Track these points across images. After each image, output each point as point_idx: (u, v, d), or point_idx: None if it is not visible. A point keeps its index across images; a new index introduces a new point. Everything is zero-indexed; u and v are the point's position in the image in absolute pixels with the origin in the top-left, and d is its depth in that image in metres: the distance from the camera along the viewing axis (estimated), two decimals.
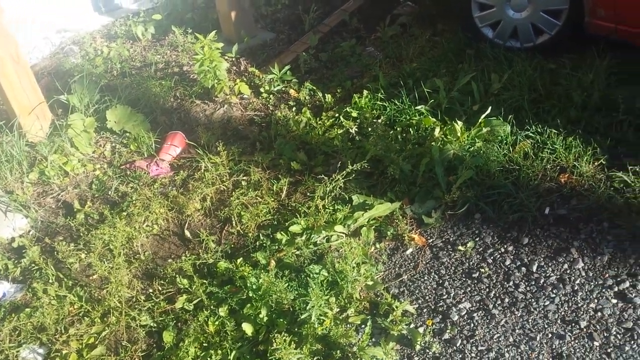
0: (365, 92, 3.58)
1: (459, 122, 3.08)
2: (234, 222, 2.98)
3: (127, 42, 4.87)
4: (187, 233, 3.01)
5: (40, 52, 4.99)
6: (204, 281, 2.65)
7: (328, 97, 3.73)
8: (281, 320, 2.42)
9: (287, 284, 2.52)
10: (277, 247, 2.78)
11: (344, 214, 2.81)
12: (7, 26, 3.40)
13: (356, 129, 3.35)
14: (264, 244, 2.81)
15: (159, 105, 3.96)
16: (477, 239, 2.64)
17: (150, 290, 2.74)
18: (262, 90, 3.98)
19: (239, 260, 2.74)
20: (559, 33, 3.53)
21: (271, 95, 3.95)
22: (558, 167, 2.84)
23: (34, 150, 3.58)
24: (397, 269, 2.65)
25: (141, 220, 3.05)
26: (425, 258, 2.66)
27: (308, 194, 3.09)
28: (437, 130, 3.09)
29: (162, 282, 2.76)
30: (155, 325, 2.57)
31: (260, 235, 2.89)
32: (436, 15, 4.41)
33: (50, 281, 2.80)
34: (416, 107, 3.35)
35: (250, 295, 2.52)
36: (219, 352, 2.36)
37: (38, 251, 3.01)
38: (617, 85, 3.19)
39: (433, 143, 3.05)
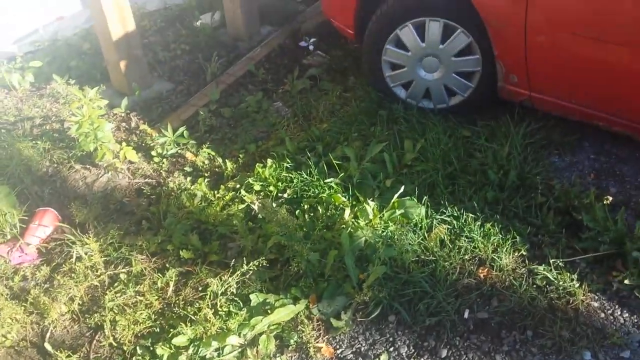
0: (269, 160, 3.15)
1: (371, 203, 2.71)
2: (106, 331, 2.44)
3: (1, 91, 4.20)
4: (48, 346, 2.43)
5: None
6: None
7: (229, 164, 3.27)
8: None
9: None
10: None
11: (239, 321, 2.34)
12: None
13: (259, 205, 2.91)
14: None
15: (30, 172, 3.34)
16: (392, 349, 2.25)
17: None
18: (154, 153, 3.46)
19: None
20: (472, 95, 3.28)
21: (164, 160, 3.44)
22: (477, 259, 2.51)
23: None
24: None
25: None
26: None
27: (200, 288, 2.60)
28: (347, 212, 2.70)
29: None
30: None
31: (138, 348, 2.36)
32: (348, 68, 4.08)
33: None
34: (325, 180, 2.95)
35: None
36: None
37: None
38: (534, 158, 2.95)
39: (343, 226, 2.66)
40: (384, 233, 2.59)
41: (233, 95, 4.01)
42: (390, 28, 3.27)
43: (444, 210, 2.70)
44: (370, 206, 2.69)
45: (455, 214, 2.68)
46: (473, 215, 2.65)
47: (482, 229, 2.59)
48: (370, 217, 2.66)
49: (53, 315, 2.51)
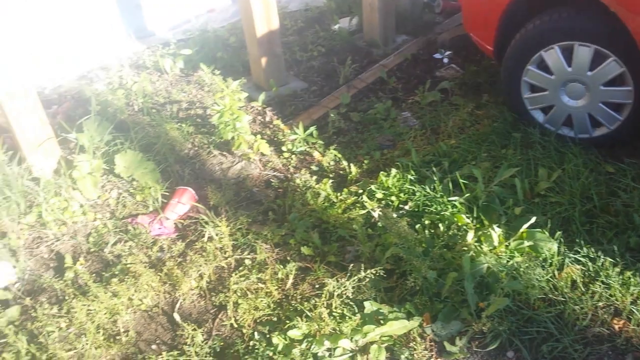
0: (394, 170, 3.15)
1: (497, 229, 2.62)
2: (229, 312, 2.57)
3: (154, 74, 4.54)
4: (177, 316, 2.61)
5: (67, 72, 4.70)
6: None
7: (353, 168, 3.31)
8: None
9: None
10: (271, 352, 2.36)
11: (352, 325, 2.37)
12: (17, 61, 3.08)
13: (380, 213, 2.92)
14: (258, 347, 2.39)
15: (174, 151, 3.59)
16: None
17: None
18: (284, 149, 3.59)
19: None
20: (619, 129, 3.06)
21: (293, 156, 3.55)
22: (612, 308, 2.34)
23: (37, 187, 3.25)
24: None
25: (130, 293, 2.66)
26: None
27: (317, 286, 2.66)
28: (471, 234, 2.63)
29: None
30: None
31: (256, 333, 2.47)
32: (482, 84, 3.96)
33: (23, 353, 2.43)
34: (449, 198, 2.90)
35: None
36: None
37: (18, 311, 2.66)
38: None
39: (465, 249, 2.60)
40: (509, 263, 2.50)
41: (363, 101, 4.04)
42: (534, 48, 3.13)
43: (579, 250, 2.54)
44: (496, 232, 2.60)
45: (591, 256, 2.51)
46: (611, 260, 2.47)
47: (621, 276, 2.40)
48: (495, 244, 2.57)
49: (184, 288, 2.69)
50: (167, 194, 3.30)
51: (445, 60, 4.34)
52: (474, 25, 3.73)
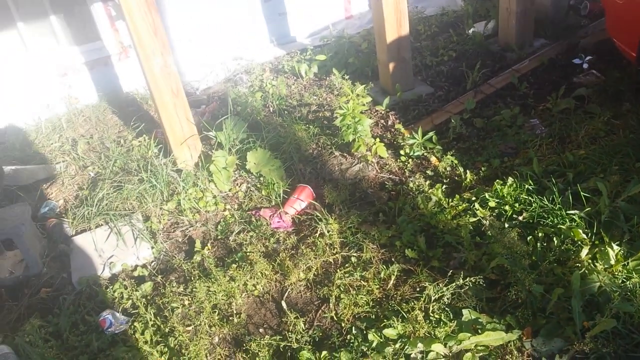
0: (511, 179, 3.02)
1: (615, 247, 2.40)
2: (331, 305, 2.68)
3: (291, 78, 4.83)
4: (284, 304, 2.78)
5: (216, 76, 5.18)
6: None
7: (469, 175, 3.23)
8: None
9: None
10: (366, 348, 2.42)
11: (447, 331, 2.34)
12: (170, 64, 3.48)
13: (490, 223, 2.83)
14: (353, 342, 2.47)
15: (299, 151, 3.80)
16: None
17: None
18: (402, 152, 3.61)
19: (323, 353, 2.44)
20: None
21: (410, 160, 3.56)
22: None
23: (178, 177, 3.65)
24: None
25: (246, 278, 2.90)
26: None
27: (417, 289, 2.66)
28: (585, 251, 2.45)
29: (244, 355, 2.56)
30: None
31: (354, 328, 2.54)
32: (624, 91, 3.61)
33: (151, 323, 2.77)
34: (568, 212, 2.71)
35: None
36: None
37: (150, 287, 3.02)
38: None
39: (577, 265, 2.42)
40: (624, 284, 2.28)
41: (489, 107, 3.91)
42: None
43: None
44: (614, 250, 2.39)
45: None
46: None
47: None
48: (612, 262, 2.37)
49: (292, 278, 2.86)
50: (289, 190, 3.51)
51: (585, 65, 4.03)
52: (617, 29, 3.44)
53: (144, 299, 2.88)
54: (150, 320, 2.75)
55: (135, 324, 2.77)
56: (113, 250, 3.27)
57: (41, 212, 3.65)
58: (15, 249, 3.30)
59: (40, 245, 3.32)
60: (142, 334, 2.71)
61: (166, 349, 2.62)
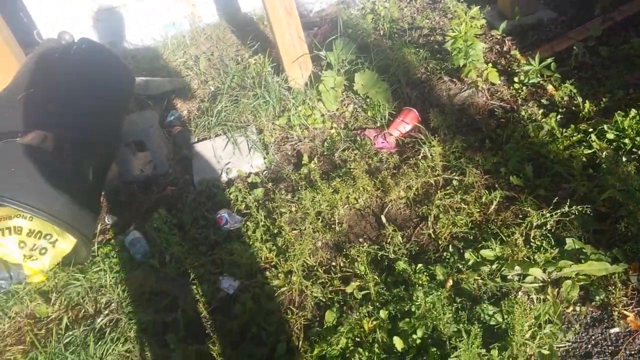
0: (634, 111, 2.76)
1: None
2: (429, 223, 2.69)
3: (404, 0, 4.64)
4: (383, 218, 2.83)
5: None
6: (376, 277, 2.48)
7: (588, 105, 3.00)
8: (434, 350, 2.14)
9: (453, 314, 2.20)
10: (462, 265, 2.42)
11: (547, 257, 2.28)
12: None
13: (607, 154, 2.64)
14: (449, 259, 2.48)
15: (407, 74, 3.71)
16: None
17: (333, 264, 2.69)
18: (516, 79, 3.40)
19: (418, 266, 2.48)
20: None
21: (524, 88, 3.36)
22: None
23: (290, 95, 3.74)
24: (589, 346, 2.08)
25: (349, 192, 2.97)
26: (632, 347, 2.02)
27: (520, 216, 2.59)
28: None
29: (344, 260, 2.68)
30: (323, 300, 2.53)
31: (450, 246, 2.55)
32: None
33: (262, 224, 2.95)
34: None
35: (413, 309, 2.28)
36: (365, 354, 2.21)
37: (261, 193, 3.19)
38: None
39: None
40: None
41: (618, 35, 3.53)
42: None
43: None
44: None
45: None
46: None
47: None
48: None
49: (392, 195, 2.89)
50: (394, 112, 3.47)
51: None
52: None
53: (255, 203, 3.06)
54: (261, 221, 2.93)
55: (248, 223, 2.97)
56: (230, 157, 3.46)
57: (167, 120, 3.92)
58: (146, 150, 3.60)
59: (167, 149, 3.59)
60: (254, 232, 2.90)
61: (274, 247, 2.79)
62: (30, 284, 2.92)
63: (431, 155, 3.01)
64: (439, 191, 2.81)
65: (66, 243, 2.93)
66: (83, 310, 2.75)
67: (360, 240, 2.78)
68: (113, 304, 2.73)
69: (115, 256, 2.95)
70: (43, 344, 2.61)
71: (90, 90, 2.98)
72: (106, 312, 2.70)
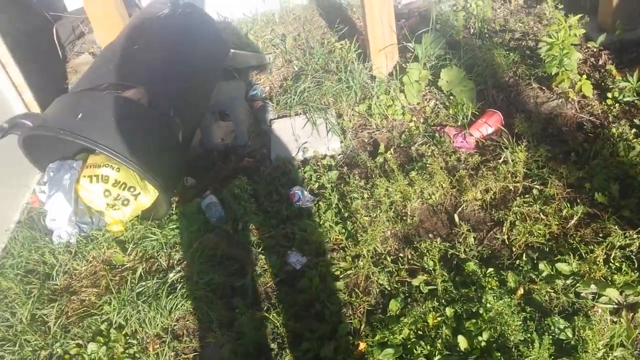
0: None
1: None
2: (504, 229, 2.64)
3: (498, 1, 4.52)
4: (457, 218, 2.80)
5: None
6: (445, 274, 2.47)
7: None
8: (498, 354, 2.11)
9: (522, 323, 2.16)
10: (534, 276, 2.37)
11: (627, 279, 2.20)
12: None
13: None
14: (522, 267, 2.43)
15: (494, 77, 3.63)
16: None
17: (401, 255, 2.69)
18: (609, 95, 3.27)
19: (489, 269, 2.45)
20: None
21: (617, 105, 3.22)
22: None
23: (372, 83, 3.74)
24: None
25: (423, 186, 2.95)
26: None
27: (600, 234, 2.50)
28: None
29: (412, 252, 2.67)
30: (388, 289, 2.54)
31: (525, 255, 2.50)
32: None
33: (333, 206, 2.98)
34: None
35: (480, 311, 2.25)
36: (427, 348, 2.21)
37: (336, 175, 3.22)
38: None
39: None
40: None
41: None
42: None
43: None
44: None
45: None
46: None
47: None
48: None
49: (469, 196, 2.85)
50: (477, 113, 3.41)
51: None
52: None
53: (329, 184, 3.09)
54: (334, 202, 2.96)
55: (320, 203, 3.00)
56: (307, 137, 3.51)
57: (250, 94, 3.99)
58: (227, 121, 3.69)
59: (248, 122, 3.68)
60: (325, 212, 2.94)
61: (344, 230, 2.82)
62: (109, 232, 3.07)
63: (512, 161, 2.94)
64: (517, 198, 2.75)
65: (148, 198, 3.07)
66: (157, 264, 2.88)
67: (430, 235, 2.77)
68: (185, 262, 2.83)
69: (191, 217, 3.05)
70: (117, 289, 2.75)
71: (190, 55, 3.08)
72: (178, 268, 2.81)
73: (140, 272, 2.79)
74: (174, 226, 3.01)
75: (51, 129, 2.58)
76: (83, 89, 2.77)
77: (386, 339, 2.28)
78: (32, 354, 2.57)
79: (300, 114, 3.71)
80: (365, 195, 3.01)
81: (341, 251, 2.75)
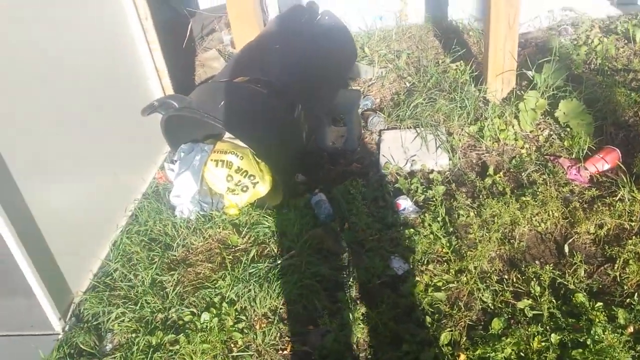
0: None
1: None
2: (616, 266, 2.61)
3: (621, 40, 4.42)
4: (567, 248, 2.79)
5: (539, 22, 5.02)
6: (553, 300, 2.47)
7: None
8: None
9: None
10: None
11: None
12: None
13: None
14: (634, 305, 2.39)
15: (614, 114, 3.57)
16: None
17: (505, 277, 2.71)
18: None
19: (598, 303, 2.43)
20: None
21: None
22: None
23: (485, 106, 3.78)
24: None
25: (534, 212, 2.96)
26: None
27: None
28: None
29: (518, 275, 2.69)
30: (492, 307, 2.57)
31: (637, 294, 2.45)
32: None
33: (439, 219, 3.05)
34: None
35: (588, 342, 2.24)
36: None
37: (442, 190, 3.28)
38: None
39: None
40: None
41: None
42: None
43: None
44: None
45: None
46: None
47: None
48: None
49: (581, 228, 2.83)
50: (593, 148, 3.37)
51: None
52: None
53: (436, 197, 3.16)
54: (441, 216, 3.03)
55: (426, 214, 3.08)
56: (416, 151, 3.60)
57: (362, 103, 4.15)
58: (338, 126, 3.85)
59: (359, 129, 3.82)
60: (430, 224, 3.01)
61: (448, 244, 2.88)
62: (226, 214, 3.30)
63: (629, 200, 2.89)
64: (633, 237, 2.70)
65: (264, 187, 3.28)
66: (267, 249, 3.06)
67: (536, 262, 2.77)
68: (294, 251, 3.00)
69: (301, 210, 3.22)
70: (231, 267, 2.95)
71: (325, 59, 3.27)
72: (287, 255, 2.98)
73: (254, 254, 2.99)
74: (286, 217, 3.20)
75: (196, 111, 2.84)
76: (225, 80, 3.02)
77: (488, 354, 2.32)
78: (150, 314, 2.80)
79: (411, 127, 3.82)
80: (472, 214, 3.06)
81: (445, 264, 2.81)
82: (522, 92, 3.78)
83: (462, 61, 4.30)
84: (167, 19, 4.80)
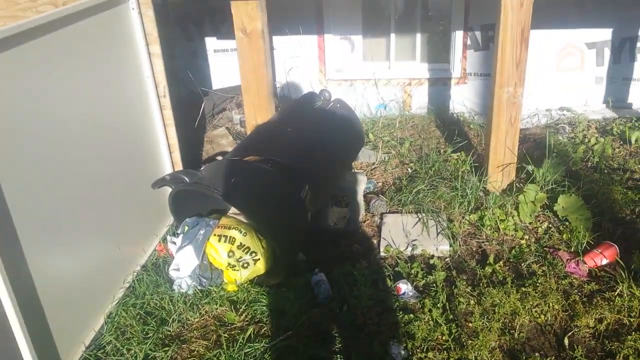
0: None
1: None
2: (619, 358, 2.63)
3: (617, 141, 4.68)
4: (567, 341, 2.82)
5: (537, 120, 5.32)
6: None
7: None
8: None
9: None
10: None
11: None
12: (519, 95, 3.76)
13: None
14: None
15: (611, 211, 3.72)
16: None
17: None
18: None
19: None
20: None
21: None
22: None
23: (485, 196, 3.94)
24: None
25: (534, 304, 3.01)
26: None
27: None
28: None
29: None
30: None
31: None
32: None
33: (439, 305, 3.10)
34: None
35: None
36: None
37: (443, 276, 3.35)
38: None
39: None
40: None
41: None
42: None
43: None
44: None
45: None
46: None
47: None
48: None
49: (582, 322, 2.87)
50: (591, 243, 3.48)
51: None
52: None
53: (435, 284, 3.23)
54: (441, 302, 3.07)
55: (426, 300, 3.13)
56: (417, 235, 3.71)
57: (365, 186, 4.31)
58: (340, 207, 3.99)
59: (362, 212, 3.95)
60: (430, 310, 3.05)
61: (447, 331, 2.91)
62: (224, 290, 3.34)
63: (627, 296, 2.96)
64: (633, 333, 2.74)
65: (265, 264, 3.34)
66: (265, 328, 3.08)
67: (536, 355, 2.79)
68: (291, 332, 3.01)
69: (300, 290, 3.27)
70: (226, 346, 2.96)
71: (336, 143, 3.47)
72: (284, 336, 2.99)
73: (250, 333, 3.00)
74: (284, 296, 3.24)
75: (206, 187, 2.98)
76: (237, 158, 3.19)
77: None
78: None
79: (412, 212, 3.94)
80: (472, 302, 3.11)
81: (445, 352, 2.82)
82: (521, 184, 3.96)
83: (462, 152, 4.52)
84: (181, 96, 5.09)
